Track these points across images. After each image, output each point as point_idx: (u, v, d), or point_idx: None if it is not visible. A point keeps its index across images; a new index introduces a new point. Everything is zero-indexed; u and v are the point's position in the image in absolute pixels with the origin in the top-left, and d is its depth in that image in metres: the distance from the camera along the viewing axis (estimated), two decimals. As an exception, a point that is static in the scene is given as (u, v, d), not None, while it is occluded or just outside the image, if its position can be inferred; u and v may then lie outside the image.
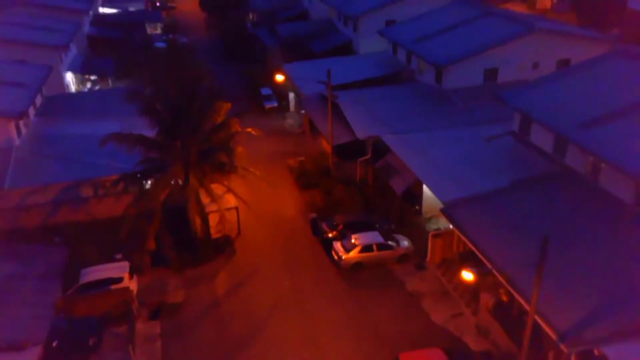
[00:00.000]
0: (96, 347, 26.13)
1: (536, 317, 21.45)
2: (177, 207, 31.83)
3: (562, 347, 21.15)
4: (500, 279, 24.73)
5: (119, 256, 32.00)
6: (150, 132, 32.14)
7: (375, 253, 32.13)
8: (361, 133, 39.26)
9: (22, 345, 22.92)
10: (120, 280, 29.39)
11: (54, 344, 25.26)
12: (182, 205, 31.66)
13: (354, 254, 31.91)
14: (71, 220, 34.02)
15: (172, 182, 32.21)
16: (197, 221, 32.21)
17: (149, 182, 33.40)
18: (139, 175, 32.53)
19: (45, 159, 35.61)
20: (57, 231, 33.18)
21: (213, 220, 34.12)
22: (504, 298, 26.22)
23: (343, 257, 31.90)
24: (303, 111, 51.19)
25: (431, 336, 27.14)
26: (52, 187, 34.05)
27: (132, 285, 29.75)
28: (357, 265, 31.99)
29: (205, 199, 32.88)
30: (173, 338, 27.68)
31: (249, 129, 36.55)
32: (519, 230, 26.95)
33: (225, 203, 33.83)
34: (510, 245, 26.14)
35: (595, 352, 21.20)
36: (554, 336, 21.46)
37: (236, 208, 35.04)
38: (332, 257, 32.79)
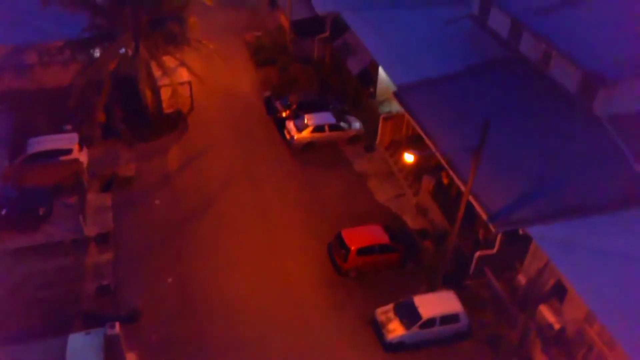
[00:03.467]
0: (46, 216, 26.52)
1: (470, 198, 22.68)
2: (128, 79, 30.94)
3: (491, 226, 22.69)
4: (442, 161, 25.69)
5: (68, 127, 31.50)
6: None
7: (326, 133, 32.56)
8: (320, 8, 37.91)
9: (-32, 212, 23.08)
10: (69, 151, 29.20)
11: (3, 212, 25.53)
12: (132, 77, 30.79)
13: (306, 133, 32.27)
14: (16, 88, 32.91)
15: (121, 52, 31.08)
16: (148, 94, 31.58)
17: (98, 50, 32.12)
18: (85, 43, 31.17)
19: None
20: (2, 98, 32.13)
21: (165, 94, 33.47)
22: (445, 180, 27.41)
23: (295, 137, 32.26)
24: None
25: (373, 214, 28.54)
26: (-8, 51, 32.44)
27: (82, 157, 29.61)
28: (308, 145, 32.50)
29: (157, 72, 31.98)
30: (124, 209, 28.26)
31: (204, -2, 34.89)
32: (465, 115, 27.54)
33: (177, 77, 33.11)
34: (455, 129, 26.84)
35: (520, 231, 22.81)
36: (484, 216, 22.92)
37: (189, 82, 34.30)
38: (285, 136, 33.11)
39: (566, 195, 23.35)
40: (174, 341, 22.48)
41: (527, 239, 23.02)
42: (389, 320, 22.65)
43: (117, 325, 20.24)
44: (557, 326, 21.90)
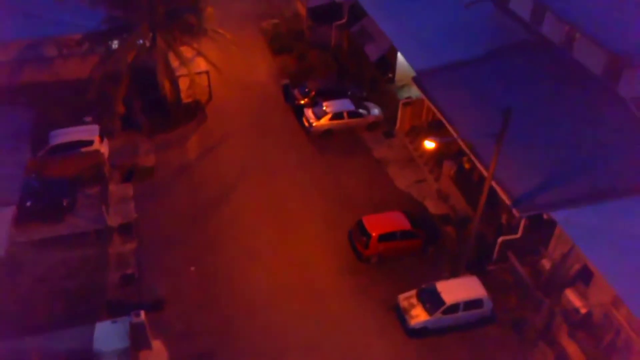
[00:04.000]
0: (70, 207, 26.78)
1: (493, 183, 22.41)
2: (146, 70, 31.04)
3: (514, 211, 22.42)
4: (463, 147, 25.40)
5: (88, 119, 31.72)
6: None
7: (345, 120, 32.38)
8: (337, -5, 37.65)
9: (-5, 204, 23.41)
10: (90, 143, 29.42)
11: (28, 204, 25.84)
12: (151, 68, 30.87)
13: (324, 121, 32.12)
14: (36, 81, 33.17)
15: (139, 44, 31.16)
16: (167, 85, 31.60)
17: (116, 42, 32.25)
18: (103, 35, 31.31)
19: (2, 14, 33.67)
20: (23, 91, 32.44)
21: (183, 84, 33.52)
22: (466, 165, 27.12)
23: (313, 124, 32.14)
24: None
25: (394, 200, 28.37)
26: (12, 44, 32.65)
27: (103, 148, 29.83)
28: (327, 132, 32.36)
29: (174, 63, 32.04)
30: (146, 199, 28.45)
31: (220, -12, 34.76)
32: (487, 100, 27.18)
33: (195, 67, 33.11)
34: (476, 114, 26.51)
35: (545, 216, 22.50)
36: (507, 201, 22.65)
37: (207, 72, 34.31)
38: (303, 123, 32.99)
39: (591, 178, 23.00)
40: (198, 329, 22.66)
41: (551, 224, 22.71)
42: (412, 306, 22.56)
43: (142, 313, 20.48)
44: (583, 310, 21.64)
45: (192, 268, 25.17)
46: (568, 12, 28.21)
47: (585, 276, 22.02)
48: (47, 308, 22.76)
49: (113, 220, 26.87)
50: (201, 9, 32.37)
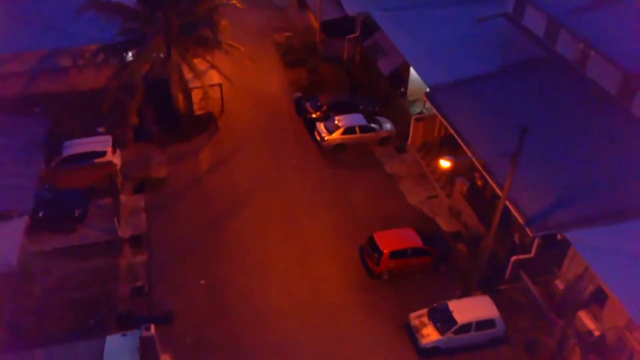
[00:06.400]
0: (82, 218, 26.93)
1: (506, 202, 22.24)
2: (160, 82, 31.24)
3: (528, 231, 22.23)
4: (477, 164, 25.27)
5: (101, 130, 31.94)
6: (129, 0, 30.69)
7: (357, 135, 32.35)
8: (350, 8, 37.71)
9: (8, 215, 23.48)
10: (103, 154, 29.58)
11: (40, 214, 25.98)
12: (164, 80, 31.06)
13: (336, 135, 32.11)
14: (51, 91, 33.43)
15: (154, 56, 31.38)
16: (180, 97, 31.77)
17: (130, 54, 32.48)
18: (118, 47, 31.56)
19: (18, 24, 34.06)
20: (37, 101, 32.72)
21: (196, 96, 33.69)
22: (479, 183, 26.96)
23: (325, 138, 32.13)
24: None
25: (406, 216, 28.24)
26: (28, 54, 32.98)
27: (116, 159, 29.99)
28: (339, 147, 32.33)
29: (188, 75, 32.21)
30: (157, 211, 28.53)
31: (234, 1, 34.97)
32: (500, 116, 27.09)
33: (208, 79, 33.28)
34: (490, 131, 26.42)
35: (559, 236, 22.29)
36: (521, 220, 22.46)
37: (220, 85, 34.47)
38: (315, 137, 33.00)
39: (605, 199, 22.76)
40: (207, 343, 22.57)
41: (565, 244, 22.48)
42: (423, 325, 22.36)
43: (152, 327, 20.43)
44: (597, 333, 21.36)
45: (202, 281, 25.12)
46: (582, 29, 28.07)
47: (599, 298, 21.74)
48: (58, 320, 22.79)
49: (124, 232, 26.94)
50: (216, 22, 32.52)
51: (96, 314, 23.13)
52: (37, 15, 34.57)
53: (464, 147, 26.35)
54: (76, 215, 26.80)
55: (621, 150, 24.56)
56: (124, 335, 20.71)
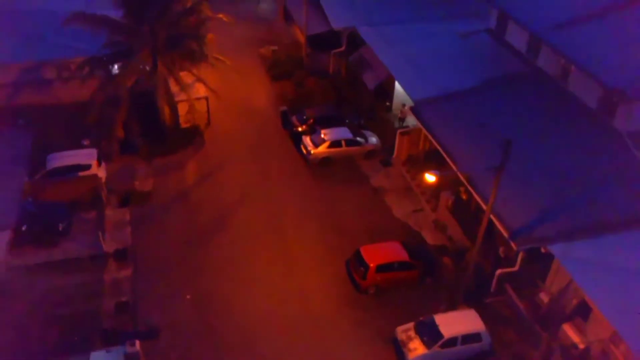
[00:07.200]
0: (66, 232, 26.61)
1: (491, 215, 22.47)
2: (146, 94, 31.16)
3: (512, 244, 22.45)
4: (461, 178, 25.52)
5: (86, 142, 31.69)
6: (116, 13, 30.65)
7: (343, 148, 32.52)
8: (336, 23, 38.07)
9: (-10, 229, 23.21)
10: (88, 167, 29.38)
11: (24, 228, 25.64)
12: (150, 93, 30.99)
13: (322, 148, 32.25)
14: (35, 103, 33.15)
15: (140, 69, 31.32)
16: (166, 110, 31.68)
17: (116, 66, 32.38)
18: (104, 59, 31.46)
19: (3, 36, 33.85)
20: (21, 113, 32.41)
21: (182, 109, 33.66)
22: (463, 196, 27.22)
23: (312, 152, 32.25)
24: (278, -4, 48.99)
25: (392, 230, 28.37)
26: (12, 66, 32.75)
27: (101, 172, 29.77)
28: (325, 160, 32.47)
29: (174, 88, 32.20)
30: (143, 224, 28.32)
31: (221, 15, 35.08)
32: (484, 130, 27.39)
33: (194, 92, 33.33)
34: (474, 145, 26.70)
35: (543, 249, 22.55)
36: (505, 234, 22.69)
37: (206, 98, 34.51)
38: (301, 150, 33.10)
39: (588, 212, 23.07)
40: (194, 359, 22.37)
41: (549, 257, 22.76)
42: (410, 339, 22.40)
43: (137, 342, 20.23)
44: (581, 346, 21.57)
45: (188, 296, 24.94)
46: (563, 45, 28.61)
47: (583, 311, 21.99)
48: (41, 336, 22.44)
49: (109, 246, 26.66)
50: (202, 36, 32.63)
51: (80, 330, 22.81)
52: (22, 26, 34.40)
53: (449, 161, 26.61)
54: (60, 229, 26.47)
55: (603, 164, 24.97)
56: (108, 351, 20.49)
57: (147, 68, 31.41)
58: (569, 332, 22.03)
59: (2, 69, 32.81)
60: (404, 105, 34.22)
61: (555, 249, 21.78)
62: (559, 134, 26.85)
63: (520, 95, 29.72)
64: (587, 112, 27.31)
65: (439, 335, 21.94)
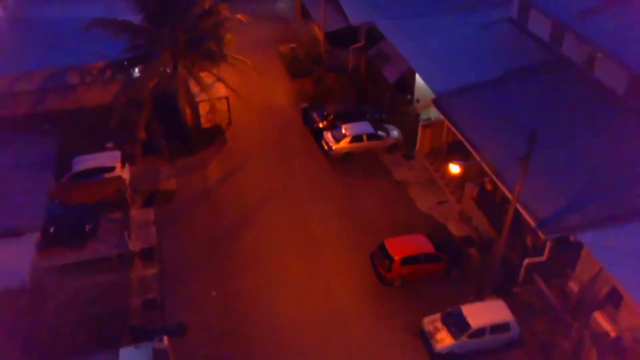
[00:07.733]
0: (93, 233, 26.98)
1: (517, 205, 22.13)
2: (167, 96, 31.48)
3: (540, 233, 22.07)
4: (486, 169, 25.19)
5: (110, 145, 32.11)
6: (136, 17, 31.04)
7: (365, 143, 32.38)
8: (354, 19, 37.92)
9: (20, 232, 23.61)
10: (112, 169, 29.74)
11: (51, 230, 26.07)
12: (172, 95, 31.29)
13: (344, 144, 32.16)
14: (60, 108, 33.78)
15: (161, 71, 31.65)
16: (187, 110, 32.04)
17: (137, 69, 32.79)
18: (126, 63, 31.87)
19: (27, 44, 34.56)
20: (46, 119, 33.01)
21: (203, 109, 33.97)
22: (488, 187, 26.86)
23: (333, 147, 32.18)
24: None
25: (416, 223, 28.15)
26: (37, 73, 33.36)
27: (125, 173, 30.13)
28: (346, 155, 32.36)
29: (195, 88, 32.48)
30: (167, 224, 28.59)
31: (239, 15, 35.28)
32: (508, 121, 26.99)
33: (215, 92, 33.51)
34: (499, 136, 26.32)
35: (571, 238, 22.12)
36: (532, 223, 22.32)
37: (226, 97, 34.70)
38: (323, 146, 33.05)
39: (617, 199, 22.56)
40: (221, 354, 22.48)
41: (578, 245, 22.32)
42: (437, 330, 22.19)
43: (165, 338, 20.39)
44: (613, 334, 21.09)
45: (214, 293, 25.09)
46: (588, 32, 28.06)
47: (614, 299, 21.50)
48: (72, 334, 22.77)
49: (135, 245, 26.99)
50: (221, 36, 32.84)
51: (110, 328, 23.09)
52: (45, 34, 35.06)
53: (473, 152, 26.28)
54: (87, 230, 26.87)
55: (631, 150, 24.41)
56: (137, 347, 20.69)
57: (168, 70, 31.71)
58: (600, 320, 21.54)
59: (27, 76, 33.41)
60: (417, 100, 33.95)
61: (584, 237, 21.35)
62: (585, 122, 26.33)
63: (544, 83, 29.19)
64: (614, 99, 26.73)
65: (467, 325, 21.69)
